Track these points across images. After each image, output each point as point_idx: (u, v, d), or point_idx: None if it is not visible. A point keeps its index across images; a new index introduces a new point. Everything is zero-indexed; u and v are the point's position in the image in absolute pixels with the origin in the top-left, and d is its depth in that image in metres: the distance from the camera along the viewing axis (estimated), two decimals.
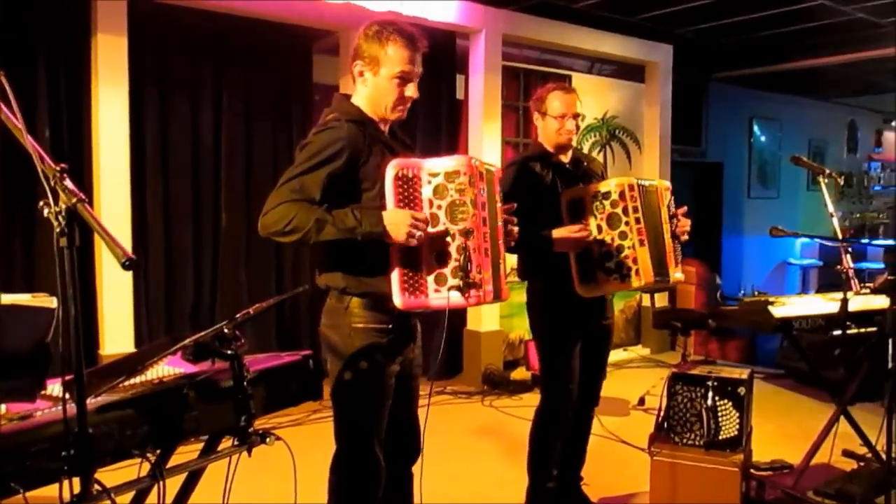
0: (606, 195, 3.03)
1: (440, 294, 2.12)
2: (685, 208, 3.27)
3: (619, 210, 3.00)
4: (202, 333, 1.67)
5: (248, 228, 5.23)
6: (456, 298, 2.11)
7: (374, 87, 2.27)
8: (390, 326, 2.24)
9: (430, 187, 2.13)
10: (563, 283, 3.06)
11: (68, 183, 1.39)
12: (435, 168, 2.14)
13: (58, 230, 1.35)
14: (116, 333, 4.39)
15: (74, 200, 1.35)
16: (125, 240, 4.39)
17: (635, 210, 3.01)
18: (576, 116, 3.19)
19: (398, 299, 2.14)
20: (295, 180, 2.14)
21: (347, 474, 2.28)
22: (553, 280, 3.12)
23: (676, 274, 3.19)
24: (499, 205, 2.35)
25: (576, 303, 3.09)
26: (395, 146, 2.33)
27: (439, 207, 2.12)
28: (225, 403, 1.76)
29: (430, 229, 2.12)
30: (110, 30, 4.39)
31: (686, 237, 3.24)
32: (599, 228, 3.03)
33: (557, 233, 3.01)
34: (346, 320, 2.23)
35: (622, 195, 3.01)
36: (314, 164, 2.15)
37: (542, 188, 3.15)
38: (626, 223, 3.00)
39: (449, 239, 2.12)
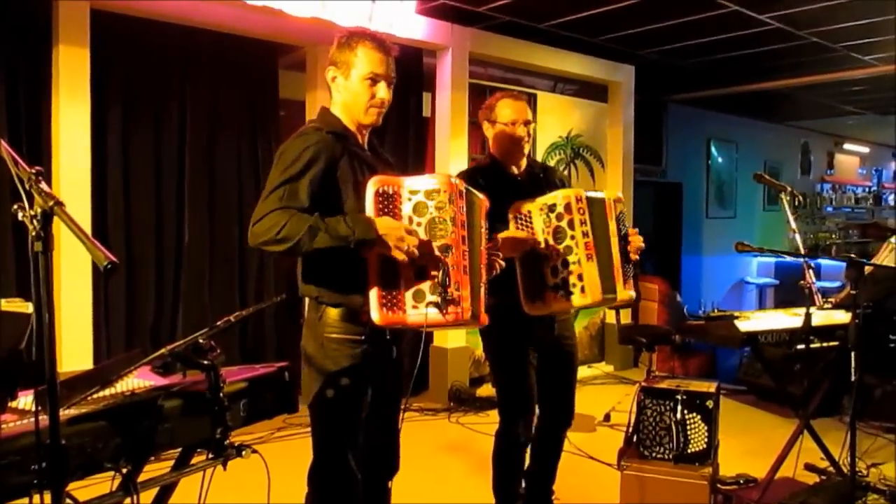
0: (552, 207, 2.86)
1: (418, 311, 2.11)
2: (636, 229, 3.13)
3: (564, 223, 2.84)
4: (179, 343, 1.63)
5: (211, 245, 5.16)
6: (434, 315, 2.09)
7: (346, 90, 2.29)
8: (363, 338, 2.23)
9: (410, 205, 2.13)
10: (513, 302, 2.90)
11: (44, 186, 1.35)
12: (415, 186, 2.15)
13: (33, 234, 1.31)
14: (75, 349, 4.28)
15: (51, 203, 1.32)
16: (85, 256, 4.28)
17: (582, 223, 2.85)
18: (527, 123, 3.06)
19: (375, 315, 2.11)
20: (282, 188, 2.10)
21: (323, 485, 2.26)
22: (503, 298, 2.91)
23: (626, 292, 2.99)
24: (483, 230, 2.36)
25: (526, 321, 2.96)
26: (376, 163, 2.33)
27: (419, 224, 2.12)
28: (200, 415, 1.72)
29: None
30: (72, 41, 4.31)
31: (636, 256, 3.07)
32: (546, 243, 2.87)
33: (502, 235, 2.81)
34: (321, 330, 2.23)
35: (568, 207, 2.85)
36: (298, 171, 2.13)
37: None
38: (572, 237, 2.83)
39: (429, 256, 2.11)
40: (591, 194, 3.00)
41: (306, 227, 2.05)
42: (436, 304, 2.08)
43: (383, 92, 2.27)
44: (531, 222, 2.90)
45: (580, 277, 2.83)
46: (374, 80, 2.26)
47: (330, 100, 2.38)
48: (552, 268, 2.86)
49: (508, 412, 3.12)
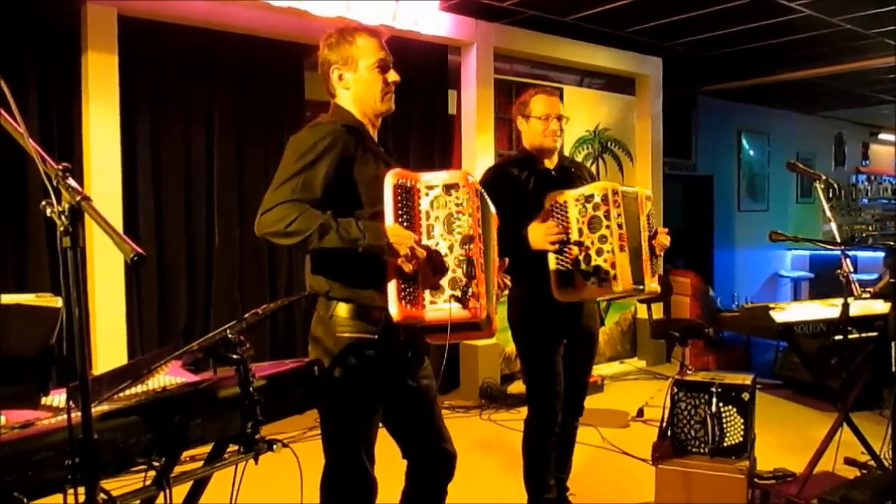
0: (589, 198, 2.98)
1: (436, 306, 2.07)
2: (666, 228, 3.22)
3: (600, 213, 2.95)
4: (207, 336, 1.63)
5: (241, 246, 5.19)
6: (456, 309, 2.05)
7: (358, 82, 2.26)
8: (377, 337, 2.16)
9: (428, 199, 2.11)
10: (543, 290, 3.00)
11: (71, 182, 1.36)
12: (433, 180, 2.13)
13: (61, 229, 1.32)
14: (109, 350, 4.34)
15: (78, 199, 1.32)
16: (117, 259, 4.34)
17: (617, 215, 2.96)
18: (560, 118, 3.15)
19: (394, 308, 2.06)
20: (295, 178, 2.05)
21: (336, 489, 2.22)
22: (533, 287, 3.05)
23: (652, 284, 3.09)
24: (494, 243, 2.34)
25: (556, 309, 3.04)
26: (388, 158, 2.30)
27: (436, 219, 2.10)
28: (230, 410, 1.72)
29: (427, 244, 2.08)
30: (101, 48, 4.37)
31: (661, 252, 3.18)
32: (580, 232, 2.97)
33: (531, 228, 2.98)
34: (331, 330, 2.17)
35: (605, 199, 2.96)
36: (311, 160, 2.08)
37: (522, 193, 3.10)
38: (608, 227, 2.94)
39: (447, 251, 2.08)
40: (626, 189, 3.12)
41: (317, 224, 2.00)
42: (457, 298, 2.04)
43: (394, 76, 2.27)
44: (566, 212, 3.01)
45: (613, 266, 2.93)
46: (382, 66, 2.25)
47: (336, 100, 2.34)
48: (585, 256, 2.96)
49: (538, 399, 3.15)
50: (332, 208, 2.08)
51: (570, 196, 3.02)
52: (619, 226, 2.95)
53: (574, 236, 2.97)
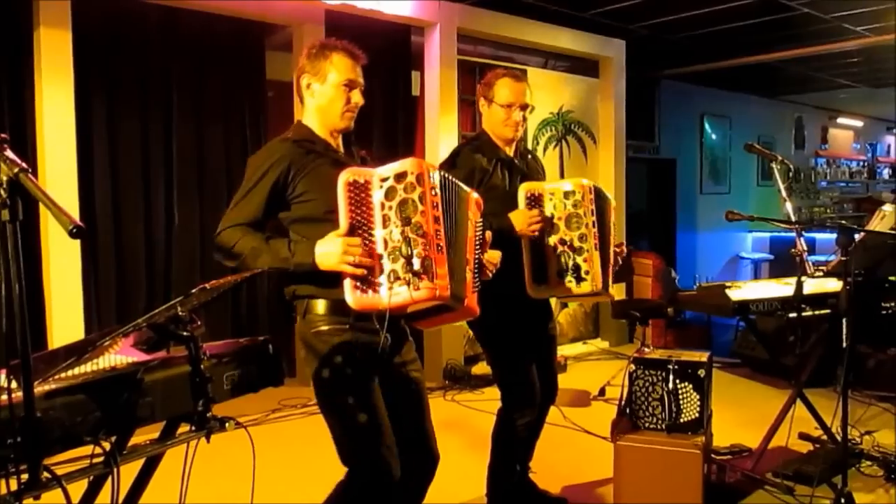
0: (569, 194, 2.91)
1: (393, 292, 2.08)
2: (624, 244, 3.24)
3: (581, 211, 2.90)
4: (156, 312, 1.61)
5: (201, 226, 5.13)
6: (404, 293, 2.05)
7: (322, 95, 2.36)
8: (348, 327, 2.22)
9: (382, 191, 2.12)
10: (513, 283, 2.91)
11: (9, 153, 1.33)
12: (385, 172, 2.15)
13: None
14: (65, 336, 4.25)
15: (16, 170, 1.29)
16: (73, 241, 4.25)
17: (593, 213, 2.91)
18: (524, 107, 3.01)
19: (350, 298, 2.09)
20: (242, 201, 2.25)
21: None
22: (504, 277, 2.92)
23: (611, 290, 3.09)
24: (472, 222, 2.33)
25: (524, 303, 2.99)
26: (349, 161, 2.34)
27: (390, 208, 2.11)
28: (182, 388, 1.70)
29: (379, 235, 2.09)
30: (54, 23, 4.25)
31: (616, 265, 3.15)
32: (557, 228, 2.91)
33: (514, 215, 2.89)
34: (307, 328, 2.26)
35: (584, 196, 2.91)
36: (255, 182, 2.25)
37: (493, 184, 2.99)
38: (586, 225, 2.89)
39: (399, 237, 2.09)
40: (603, 190, 3.09)
41: (250, 247, 2.18)
42: (407, 282, 2.05)
43: (357, 97, 2.37)
44: (542, 205, 2.93)
45: (590, 264, 2.89)
46: (349, 86, 2.35)
47: (302, 107, 2.44)
48: (562, 252, 2.91)
49: (514, 387, 3.11)
50: (289, 218, 2.27)
51: (546, 190, 2.94)
52: (593, 224, 2.90)
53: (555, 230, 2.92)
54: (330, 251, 2.09)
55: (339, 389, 2.23)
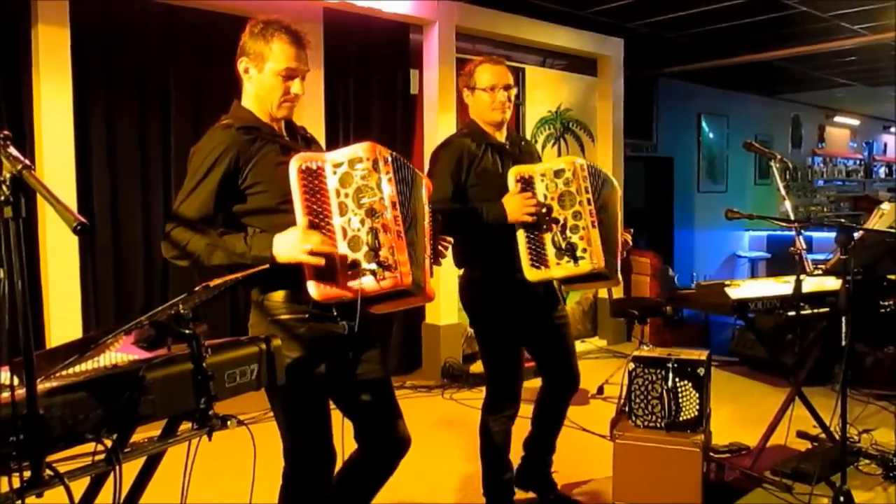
0: (560, 173, 2.84)
1: (356, 281, 2.07)
2: (631, 230, 3.18)
3: (573, 189, 2.83)
4: (158, 309, 1.60)
5: None
6: (369, 283, 2.05)
7: (259, 83, 2.23)
8: (307, 316, 2.19)
9: (336, 178, 2.08)
10: (505, 270, 2.91)
11: (12, 150, 1.32)
12: (338, 158, 2.10)
13: (2, 199, 1.28)
14: (63, 334, 4.24)
15: (19, 167, 1.28)
16: (71, 239, 4.25)
17: (587, 190, 2.84)
18: (507, 88, 2.97)
19: (312, 290, 2.07)
20: (190, 197, 2.14)
21: (297, 465, 2.27)
22: (495, 266, 2.97)
23: (618, 275, 3.03)
24: (426, 207, 2.32)
25: (520, 292, 2.95)
26: (295, 146, 2.28)
27: (346, 196, 2.07)
28: (183, 386, 1.70)
29: (337, 223, 2.07)
30: (52, 21, 4.23)
31: (624, 252, 3.11)
32: (550, 209, 2.85)
33: (506, 200, 2.85)
34: (266, 314, 2.22)
35: (575, 174, 2.84)
36: (201, 177, 2.13)
37: (483, 168, 2.96)
38: (580, 202, 2.82)
39: (359, 224, 2.07)
40: (596, 166, 3.02)
41: (204, 244, 2.09)
42: (371, 272, 2.05)
43: (297, 87, 2.23)
44: (533, 187, 2.87)
45: (589, 242, 2.82)
46: (288, 76, 2.21)
47: (242, 90, 2.32)
48: (558, 232, 2.84)
49: (496, 381, 3.12)
50: (242, 210, 2.16)
51: (536, 171, 2.89)
52: (590, 201, 2.84)
53: (549, 211, 2.85)
54: (288, 242, 2.04)
55: (289, 378, 2.15)
